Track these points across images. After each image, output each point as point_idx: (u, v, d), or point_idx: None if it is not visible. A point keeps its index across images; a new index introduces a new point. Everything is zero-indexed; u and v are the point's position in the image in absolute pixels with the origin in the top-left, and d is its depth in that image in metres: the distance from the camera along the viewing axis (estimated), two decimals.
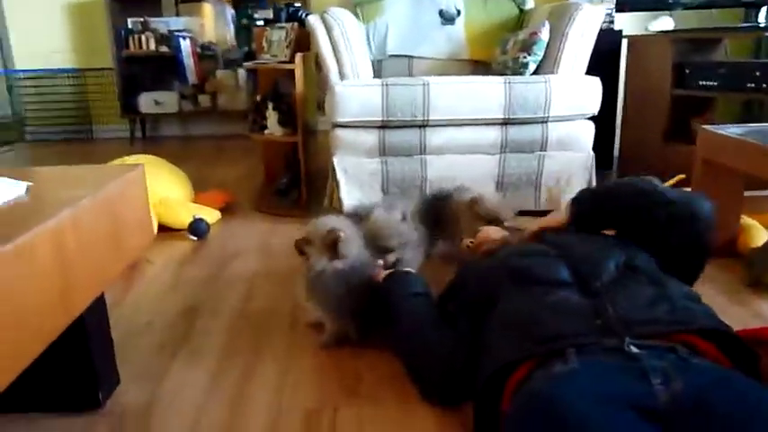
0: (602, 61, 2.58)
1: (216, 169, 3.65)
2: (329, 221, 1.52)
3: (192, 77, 4.65)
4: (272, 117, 2.64)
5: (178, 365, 1.49)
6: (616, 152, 3.26)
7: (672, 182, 2.48)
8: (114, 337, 1.42)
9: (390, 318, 1.46)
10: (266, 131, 2.68)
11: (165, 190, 2.58)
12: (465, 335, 1.29)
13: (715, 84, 2.53)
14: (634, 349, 0.99)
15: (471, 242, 1.73)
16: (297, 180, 2.67)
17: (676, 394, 0.89)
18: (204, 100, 4.71)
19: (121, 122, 4.74)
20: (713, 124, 2.59)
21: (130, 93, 4.62)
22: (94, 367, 1.30)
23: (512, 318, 1.16)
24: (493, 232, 1.72)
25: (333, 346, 1.55)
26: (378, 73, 2.88)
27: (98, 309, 1.32)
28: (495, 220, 1.95)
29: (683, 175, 2.50)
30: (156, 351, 1.56)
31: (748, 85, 2.44)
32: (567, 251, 1.28)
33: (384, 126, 2.42)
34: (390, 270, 1.58)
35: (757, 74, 2.40)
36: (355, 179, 2.48)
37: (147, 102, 4.62)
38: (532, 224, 1.60)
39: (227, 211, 2.73)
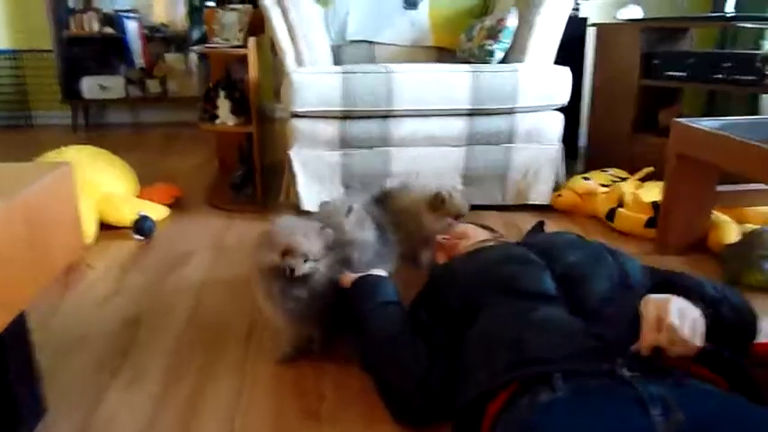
0: (567, 50, 2.49)
1: (165, 160, 3.43)
2: (289, 224, 1.37)
3: (139, 61, 4.37)
4: (223, 106, 2.46)
5: (116, 389, 1.32)
6: (581, 142, 3.20)
7: (640, 174, 2.42)
8: (43, 357, 1.25)
9: (358, 328, 1.33)
10: (217, 121, 2.49)
11: (108, 185, 2.38)
12: (441, 348, 1.18)
13: (684, 74, 2.47)
14: (627, 373, 0.89)
15: (446, 239, 1.61)
16: (252, 173, 2.51)
17: (677, 426, 0.80)
18: (153, 85, 4.44)
19: (63, 108, 4.42)
20: (681, 116, 2.55)
21: (73, 77, 4.31)
22: (15, 397, 1.13)
23: (494, 335, 1.05)
24: (471, 230, 1.61)
25: (292, 358, 1.42)
26: (337, 59, 2.73)
27: (18, 330, 1.15)
28: (459, 216, 1.85)
29: (651, 168, 2.44)
30: (92, 372, 1.39)
31: (716, 75, 2.39)
32: (554, 259, 1.17)
33: (344, 116, 2.27)
34: (361, 274, 1.44)
35: (725, 65, 2.35)
36: (314, 173, 2.34)
37: (90, 86, 4.32)
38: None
39: (176, 206, 2.54)
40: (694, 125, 1.80)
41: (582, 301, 1.09)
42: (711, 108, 3.11)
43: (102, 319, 1.62)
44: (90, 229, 2.12)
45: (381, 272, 1.46)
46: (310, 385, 1.34)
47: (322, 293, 1.35)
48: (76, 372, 1.39)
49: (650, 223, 2.08)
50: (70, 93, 4.32)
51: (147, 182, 2.64)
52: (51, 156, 2.36)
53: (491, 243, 1.47)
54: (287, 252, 1.29)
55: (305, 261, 1.30)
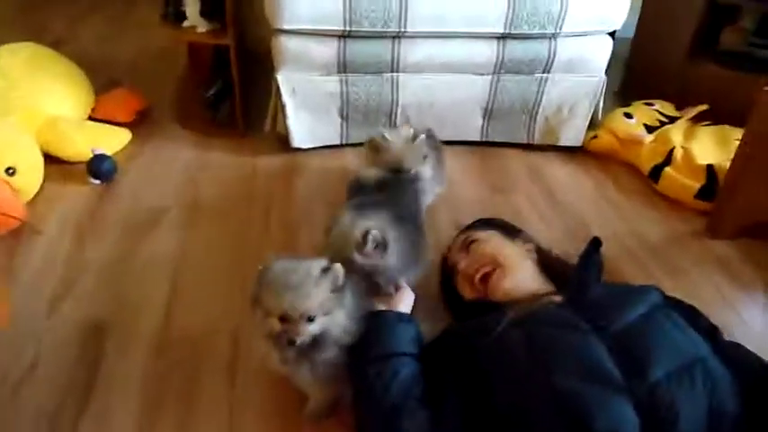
0: None
1: (121, 43, 2.86)
2: (282, 273, 1.04)
3: None
4: (192, 5, 1.93)
5: None
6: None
7: (692, 113, 2.05)
8: None
9: (355, 385, 1.08)
10: (185, 23, 1.98)
11: (53, 105, 1.94)
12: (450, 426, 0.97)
13: None
14: None
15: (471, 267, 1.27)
16: (229, 89, 2.06)
17: None
18: None
19: None
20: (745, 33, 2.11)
21: None
22: None
23: None
24: (502, 251, 1.27)
25: (326, 416, 1.17)
26: None
27: None
28: (398, 170, 1.51)
29: (705, 106, 2.07)
30: (48, 419, 1.15)
31: None
32: (639, 371, 0.90)
33: (346, 36, 1.81)
34: (376, 310, 1.14)
35: None
36: (306, 102, 1.92)
37: None
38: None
39: (141, 124, 2.13)
40: None
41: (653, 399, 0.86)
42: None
43: (57, 330, 1.34)
44: (34, 177, 1.74)
45: (406, 306, 1.19)
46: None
47: (351, 343, 1.08)
48: (29, 416, 1.15)
49: (703, 193, 1.78)
50: None
51: (100, 79, 2.18)
52: None
53: (547, 300, 1.15)
54: (284, 318, 1.00)
55: (309, 320, 1.01)
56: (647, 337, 0.97)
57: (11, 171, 1.64)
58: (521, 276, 1.20)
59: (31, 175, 1.73)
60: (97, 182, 1.82)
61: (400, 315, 1.14)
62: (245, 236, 1.65)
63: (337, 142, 2.03)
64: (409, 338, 1.10)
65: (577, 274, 1.18)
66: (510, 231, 1.37)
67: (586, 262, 1.19)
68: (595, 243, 1.33)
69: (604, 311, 1.04)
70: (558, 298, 1.15)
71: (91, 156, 1.82)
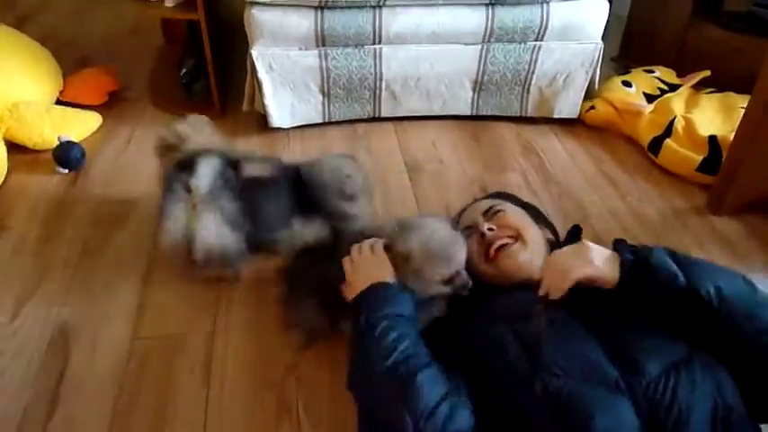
0: None
1: (92, 19, 2.72)
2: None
3: None
4: None
5: None
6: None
7: (693, 80, 1.95)
8: None
9: (357, 346, 0.98)
10: None
11: (18, 90, 1.82)
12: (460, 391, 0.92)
13: None
14: None
15: (491, 229, 1.15)
16: (202, 67, 1.95)
17: None
18: None
19: None
20: None
21: None
22: None
23: None
24: (527, 225, 1.18)
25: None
26: None
27: None
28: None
29: (706, 72, 1.96)
30: (15, 428, 1.08)
31: None
32: (658, 408, 0.81)
33: (323, 6, 1.68)
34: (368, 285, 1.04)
35: None
36: (284, 78, 1.81)
37: None
38: None
39: (113, 105, 2.02)
40: None
41: None
42: None
43: (22, 332, 1.27)
44: None
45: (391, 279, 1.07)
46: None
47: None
48: None
49: (705, 166, 1.68)
50: None
51: (69, 58, 2.06)
52: None
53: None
54: None
55: None
56: (637, 329, 0.90)
57: None
58: (536, 259, 1.12)
59: None
60: (65, 171, 1.71)
61: (393, 283, 1.04)
62: None
63: (319, 120, 1.93)
64: (411, 304, 1.02)
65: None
66: (536, 216, 1.28)
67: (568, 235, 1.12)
68: (575, 230, 1.25)
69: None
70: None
71: (58, 143, 1.72)
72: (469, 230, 1.19)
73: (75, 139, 1.78)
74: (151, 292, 1.37)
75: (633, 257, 0.90)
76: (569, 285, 0.90)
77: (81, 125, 1.86)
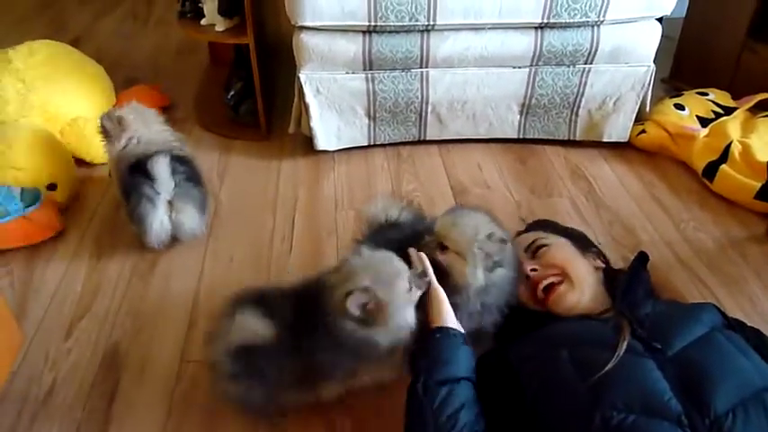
0: None
1: (141, 41, 2.79)
2: None
3: None
4: (209, 2, 1.84)
5: None
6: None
7: (750, 102, 1.89)
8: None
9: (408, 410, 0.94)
10: (203, 21, 1.90)
11: (73, 104, 1.89)
12: None
13: None
14: None
15: (534, 270, 1.14)
16: (250, 89, 1.97)
17: None
18: None
19: None
20: None
21: None
22: None
23: None
24: (571, 261, 1.15)
25: None
26: None
27: None
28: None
29: (765, 94, 1.90)
30: None
31: None
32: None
33: (371, 31, 1.69)
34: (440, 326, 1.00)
35: None
36: (330, 101, 1.82)
37: None
38: None
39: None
40: None
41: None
42: None
43: (74, 353, 1.29)
44: (72, 188, 1.73)
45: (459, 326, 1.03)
46: None
47: None
48: None
49: (763, 194, 1.62)
50: None
51: (120, 76, 2.12)
52: None
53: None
54: None
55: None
56: (707, 362, 0.86)
57: (52, 187, 1.65)
58: (586, 294, 1.09)
59: (70, 187, 1.72)
60: None
61: (455, 330, 1.00)
62: (268, 245, 1.57)
63: (364, 143, 1.93)
64: (469, 361, 0.98)
65: (622, 295, 1.07)
66: (582, 244, 1.25)
67: (632, 281, 1.08)
68: (642, 258, 1.21)
69: (659, 333, 0.93)
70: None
71: None
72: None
73: None
74: (200, 314, 1.38)
75: None
76: None
77: None
